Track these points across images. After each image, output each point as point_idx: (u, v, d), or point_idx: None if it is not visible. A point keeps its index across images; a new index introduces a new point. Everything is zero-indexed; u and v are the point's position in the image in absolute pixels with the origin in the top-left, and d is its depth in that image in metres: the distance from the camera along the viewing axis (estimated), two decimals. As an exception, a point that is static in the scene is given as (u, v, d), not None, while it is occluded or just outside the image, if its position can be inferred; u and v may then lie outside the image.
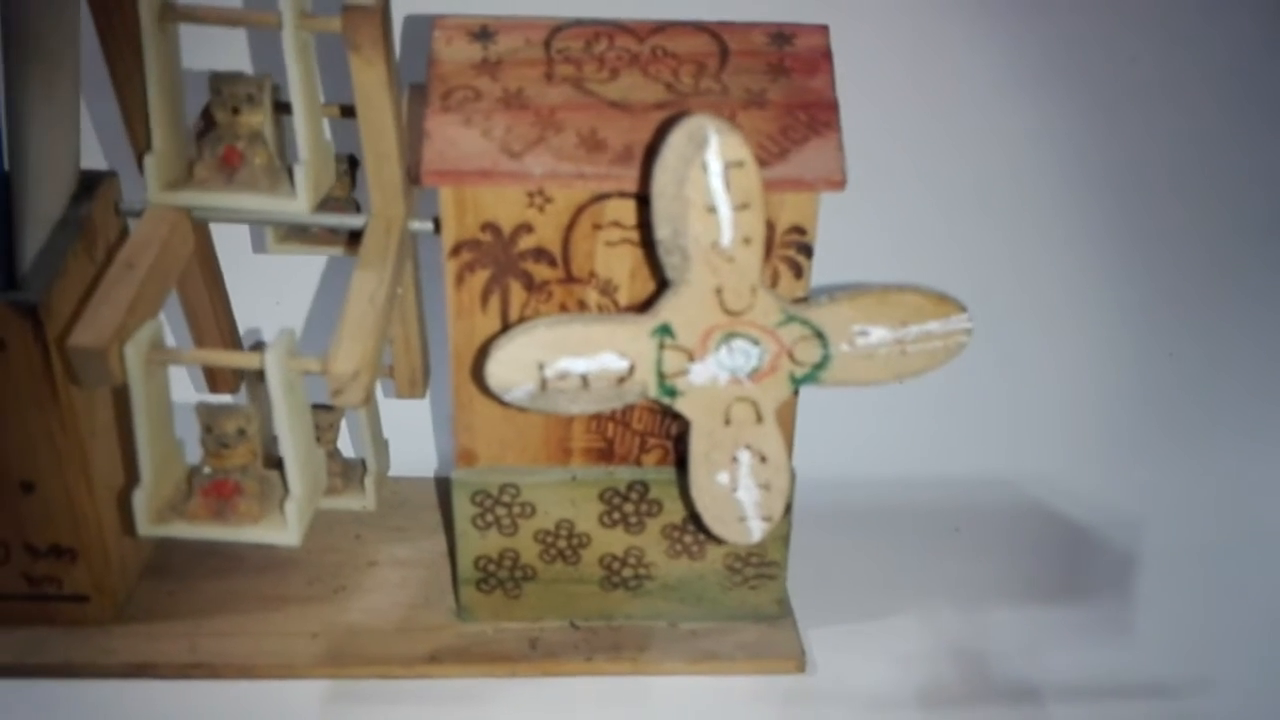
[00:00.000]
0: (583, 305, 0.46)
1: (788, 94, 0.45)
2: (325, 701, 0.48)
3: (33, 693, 0.49)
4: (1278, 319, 0.69)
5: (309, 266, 0.66)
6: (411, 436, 0.63)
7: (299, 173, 0.43)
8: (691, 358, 0.41)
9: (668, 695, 0.50)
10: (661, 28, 0.46)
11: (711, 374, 0.41)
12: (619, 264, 0.45)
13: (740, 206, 0.38)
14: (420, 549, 0.57)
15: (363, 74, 0.43)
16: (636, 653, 0.51)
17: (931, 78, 0.63)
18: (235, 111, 0.43)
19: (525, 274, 0.45)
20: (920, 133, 0.64)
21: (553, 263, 0.45)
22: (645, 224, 0.44)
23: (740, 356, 0.40)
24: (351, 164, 0.52)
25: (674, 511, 0.50)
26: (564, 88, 0.44)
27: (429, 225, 0.46)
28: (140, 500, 0.42)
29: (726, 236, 0.38)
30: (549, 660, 0.50)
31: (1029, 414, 0.68)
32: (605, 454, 0.49)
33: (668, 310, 0.41)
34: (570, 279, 0.46)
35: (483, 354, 0.46)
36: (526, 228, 0.44)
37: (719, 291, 0.40)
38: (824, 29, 0.46)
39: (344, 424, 0.58)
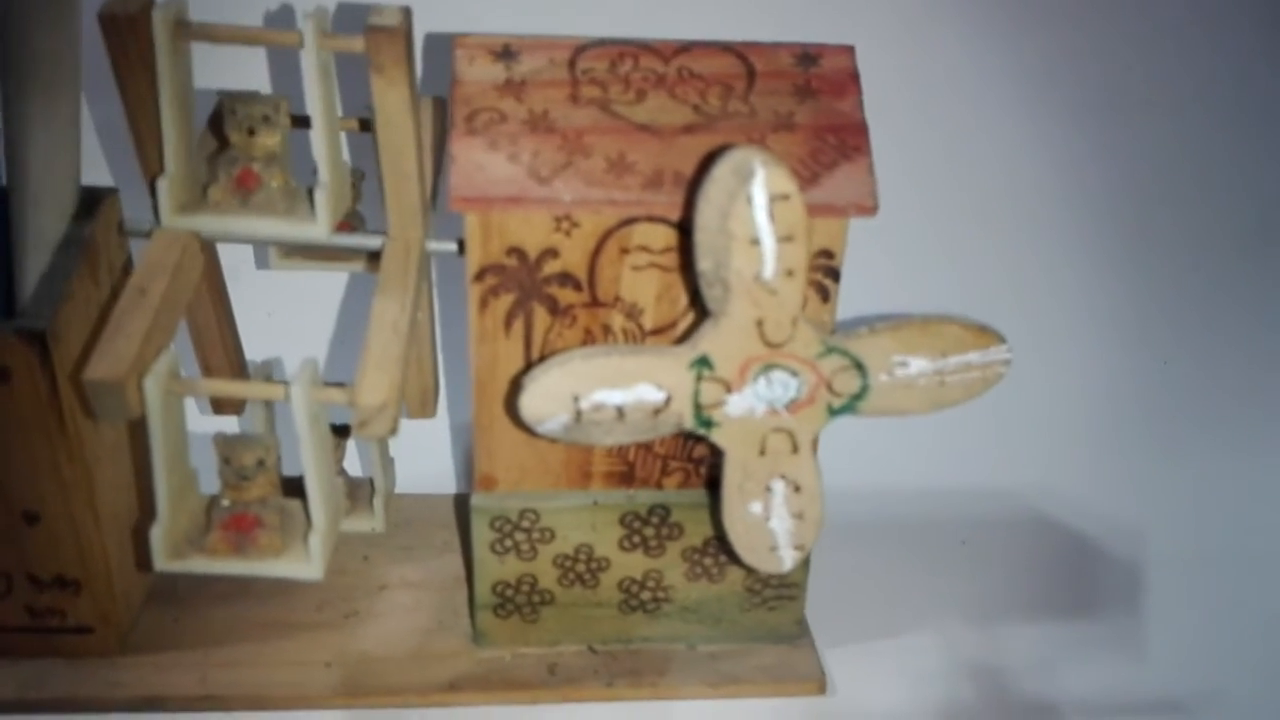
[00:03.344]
0: (607, 329, 0.45)
1: (816, 117, 0.44)
2: (343, 732, 0.48)
3: (38, 729, 0.47)
4: (1274, 327, 0.70)
5: (299, 277, 0.65)
6: (415, 453, 0.62)
7: (319, 196, 0.42)
8: (729, 389, 0.41)
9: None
10: (687, 48, 0.45)
11: (749, 405, 0.41)
12: (645, 288, 0.45)
13: (784, 239, 0.37)
14: (430, 570, 0.56)
15: (385, 95, 0.42)
16: (656, 677, 0.50)
17: (924, 91, 0.63)
18: (251, 133, 0.42)
19: (550, 298, 0.45)
20: (915, 148, 0.63)
21: (578, 287, 0.44)
22: (673, 248, 0.44)
23: (779, 388, 0.40)
24: (357, 177, 0.51)
25: (695, 534, 0.50)
26: (590, 110, 0.44)
27: (452, 246, 0.45)
28: (157, 535, 0.41)
29: (769, 269, 0.38)
30: (569, 686, 0.50)
31: (1030, 425, 0.68)
32: (626, 478, 0.49)
33: (707, 342, 0.40)
34: (595, 303, 0.45)
35: (505, 378, 0.46)
36: (552, 252, 0.44)
37: (760, 323, 0.39)
38: (849, 50, 0.46)
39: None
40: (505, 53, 0.44)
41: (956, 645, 0.53)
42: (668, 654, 0.52)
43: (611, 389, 0.40)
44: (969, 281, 0.67)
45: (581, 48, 0.45)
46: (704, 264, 0.38)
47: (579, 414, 0.41)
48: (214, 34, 0.40)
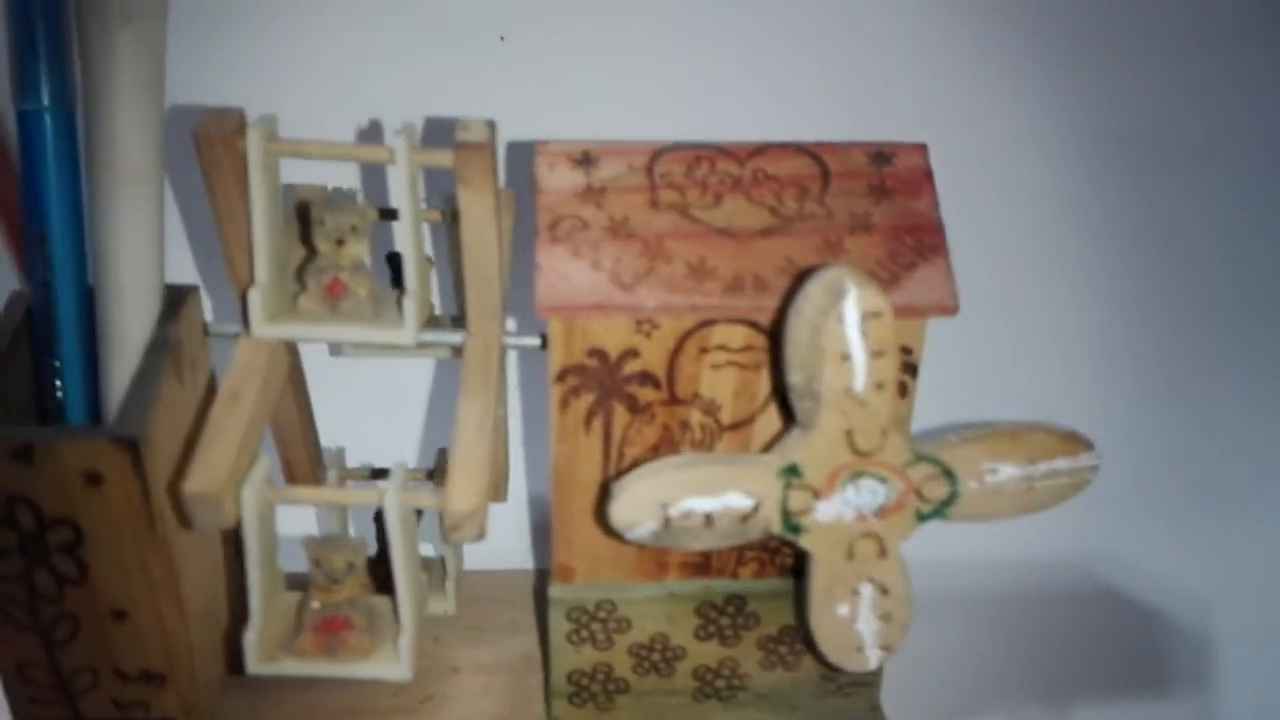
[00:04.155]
0: (685, 426, 0.46)
1: (892, 217, 0.45)
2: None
3: (125, 822, 0.48)
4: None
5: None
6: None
7: (408, 304, 0.43)
8: (818, 496, 0.41)
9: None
10: (761, 150, 0.46)
11: (837, 511, 0.41)
12: (723, 385, 0.45)
13: (875, 354, 0.38)
14: (500, 652, 0.57)
15: (471, 206, 0.42)
16: (733, 766, 0.51)
17: (994, 185, 0.62)
18: (340, 243, 0.43)
19: (630, 397, 0.45)
20: (986, 243, 0.63)
21: (657, 385, 0.45)
22: (751, 347, 0.44)
23: (867, 495, 0.40)
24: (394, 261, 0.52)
25: (771, 623, 0.50)
26: (670, 215, 0.44)
27: (535, 341, 0.46)
28: (251, 640, 0.42)
29: (860, 383, 0.38)
30: (646, 775, 0.50)
31: (1091, 493, 0.68)
32: (702, 568, 0.49)
33: (796, 451, 0.41)
34: (674, 401, 0.45)
35: (584, 474, 0.46)
36: (633, 353, 0.44)
37: (849, 433, 0.40)
38: (922, 148, 0.46)
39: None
40: (585, 159, 0.45)
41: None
42: (742, 741, 0.52)
43: (701, 497, 0.40)
44: (999, 352, 0.66)
45: (658, 152, 0.46)
46: (795, 378, 0.39)
47: (668, 521, 0.41)
48: (305, 150, 0.41)
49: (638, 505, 0.41)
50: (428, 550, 0.62)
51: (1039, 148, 0.61)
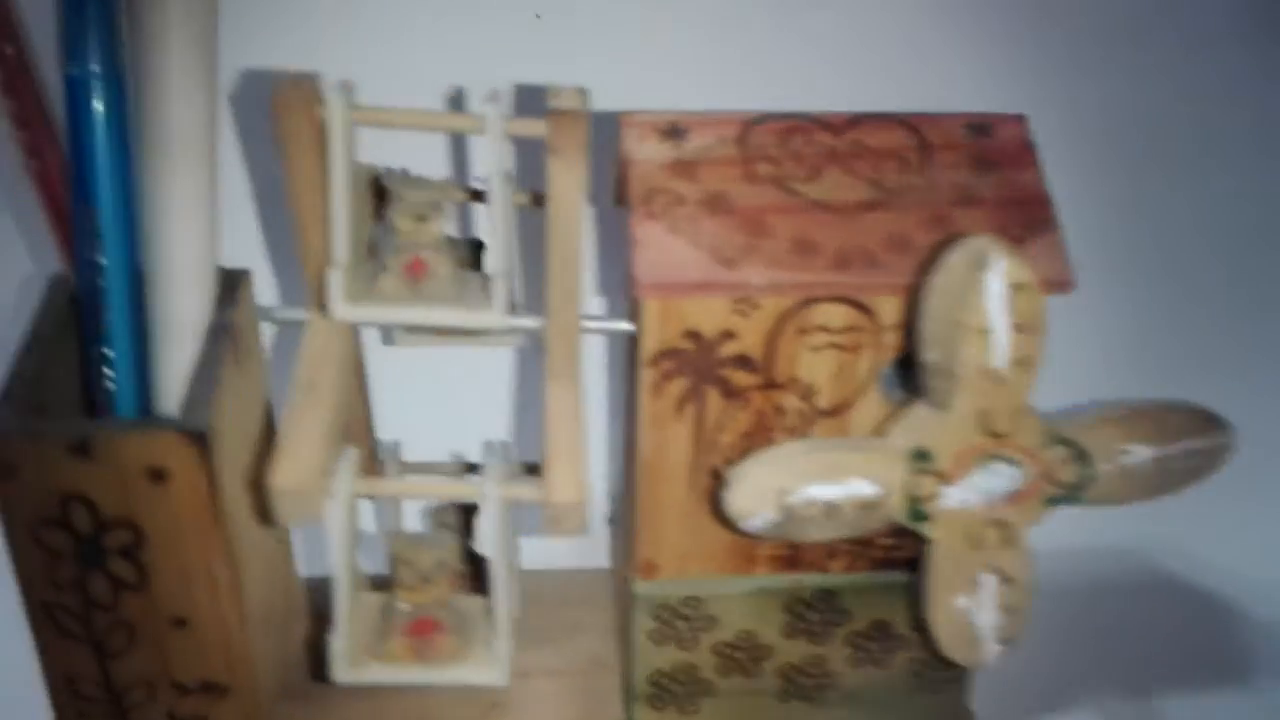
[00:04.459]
0: (779, 411, 0.44)
1: (998, 189, 0.43)
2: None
3: (185, 843, 0.45)
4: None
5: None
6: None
7: (495, 283, 0.40)
8: (945, 481, 0.39)
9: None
10: (856, 120, 0.44)
11: (964, 498, 0.39)
12: (821, 368, 0.43)
13: (1019, 329, 0.36)
14: (566, 655, 0.54)
15: (561, 177, 0.40)
16: (824, 768, 0.49)
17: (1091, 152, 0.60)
18: (421, 219, 0.40)
19: (724, 381, 0.43)
20: (1090, 216, 0.60)
21: (753, 369, 0.43)
22: (852, 328, 0.42)
23: (998, 479, 0.38)
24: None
25: (862, 619, 0.48)
26: (767, 188, 0.42)
27: (626, 325, 0.43)
28: (338, 646, 0.39)
29: (1001, 360, 0.36)
30: (735, 780, 0.48)
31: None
32: (791, 561, 0.47)
33: (925, 434, 0.39)
34: (770, 385, 0.43)
35: (673, 463, 0.44)
36: (729, 334, 0.42)
37: (983, 415, 0.38)
38: (1021, 119, 0.44)
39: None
40: (673, 130, 0.43)
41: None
42: (830, 742, 0.50)
43: (823, 484, 0.38)
44: (1142, 349, 0.64)
45: (749, 123, 0.43)
46: (930, 355, 0.37)
47: (788, 510, 0.39)
48: (389, 119, 0.38)
49: (756, 493, 0.38)
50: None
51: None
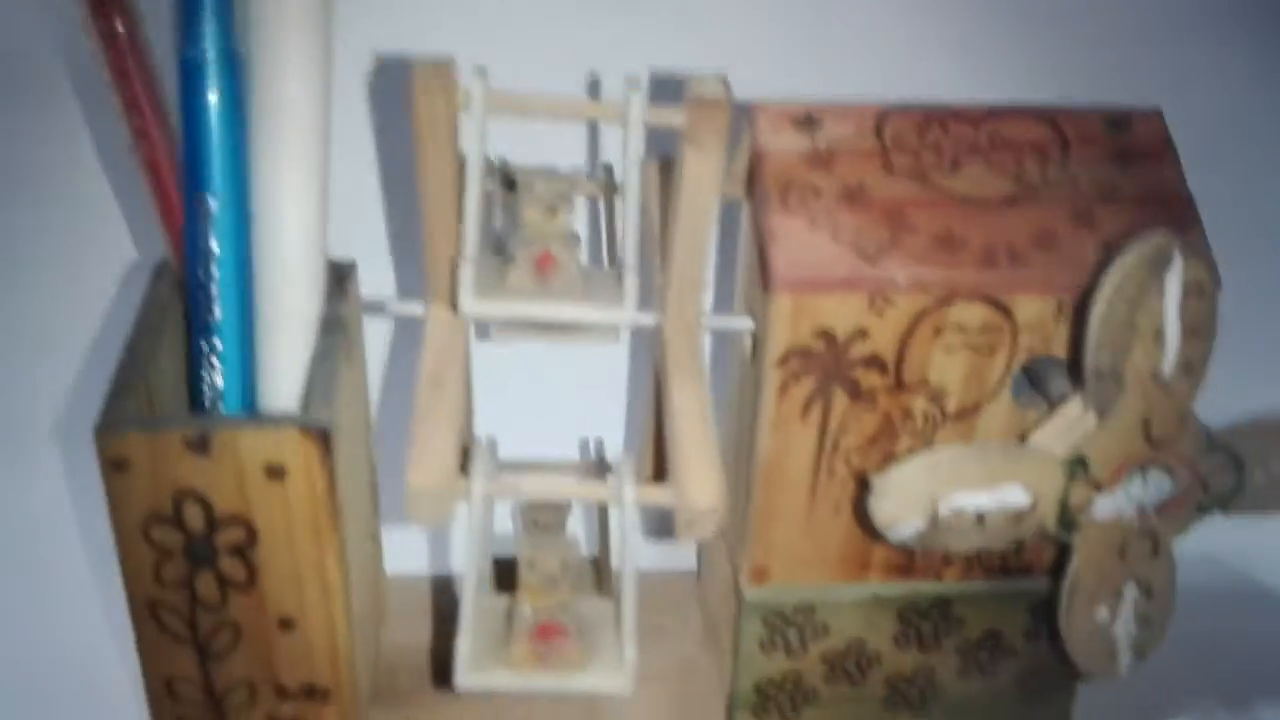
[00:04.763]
0: (907, 414, 0.42)
1: (1140, 187, 0.42)
2: None
3: None
4: None
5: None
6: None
7: (629, 279, 0.39)
8: (1100, 489, 0.38)
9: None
10: (993, 112, 0.43)
11: (1117, 507, 0.38)
12: (953, 370, 0.42)
13: (1190, 332, 0.35)
14: (654, 658, 0.52)
15: (697, 167, 0.39)
16: (935, 780, 0.47)
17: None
18: (553, 211, 0.39)
19: (853, 382, 0.42)
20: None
21: (883, 370, 0.42)
22: (990, 328, 0.41)
23: (1153, 488, 0.37)
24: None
25: (974, 628, 0.47)
26: (906, 181, 0.41)
27: (746, 323, 0.42)
28: (464, 649, 0.37)
29: (1169, 365, 0.35)
30: (844, 791, 0.47)
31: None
32: (905, 569, 0.46)
33: (1084, 440, 0.37)
34: (899, 386, 0.42)
35: (794, 467, 0.43)
36: (862, 334, 0.41)
37: (1146, 422, 0.36)
38: (1157, 114, 0.43)
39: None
40: (807, 120, 0.42)
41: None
42: (938, 753, 0.49)
43: (975, 492, 0.37)
44: None
45: (884, 113, 0.42)
46: (1100, 359, 0.36)
47: (936, 519, 0.38)
48: (527, 105, 0.37)
49: (906, 500, 0.37)
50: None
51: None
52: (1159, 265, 0.35)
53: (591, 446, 0.53)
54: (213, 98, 0.40)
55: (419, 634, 0.53)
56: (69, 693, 0.50)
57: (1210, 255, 0.37)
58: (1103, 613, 0.40)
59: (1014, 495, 0.37)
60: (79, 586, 0.54)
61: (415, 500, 0.35)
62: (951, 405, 0.42)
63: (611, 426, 0.61)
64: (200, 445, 0.38)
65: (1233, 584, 0.61)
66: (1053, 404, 0.39)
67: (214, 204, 0.41)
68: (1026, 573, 0.46)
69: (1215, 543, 0.62)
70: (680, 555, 0.58)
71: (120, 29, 0.41)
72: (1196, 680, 0.53)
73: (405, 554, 0.56)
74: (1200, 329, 0.35)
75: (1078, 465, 0.37)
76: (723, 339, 0.53)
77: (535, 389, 0.57)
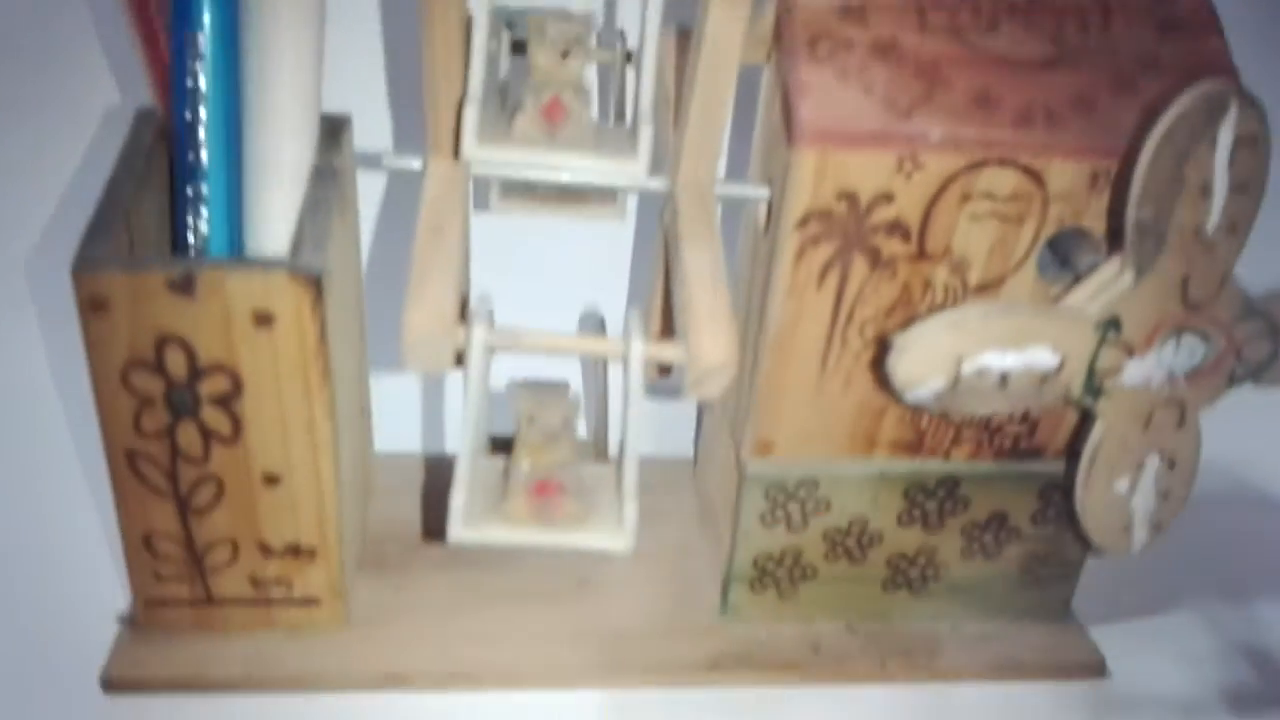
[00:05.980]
0: (927, 285, 0.41)
1: (1183, 57, 0.39)
2: (607, 713, 0.44)
3: (269, 709, 0.43)
4: None
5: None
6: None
7: (644, 133, 0.36)
8: (1131, 354, 0.36)
9: (968, 706, 0.46)
10: (1033, -29, 0.40)
11: (1147, 373, 0.36)
12: (979, 240, 0.40)
13: (1238, 189, 0.33)
14: (652, 540, 0.51)
15: (721, 18, 0.36)
16: (929, 659, 0.47)
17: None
18: (565, 55, 0.36)
19: (874, 249, 0.40)
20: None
21: (906, 236, 0.40)
22: (1021, 195, 0.39)
23: (1186, 354, 0.36)
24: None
25: (980, 509, 0.46)
26: (942, 38, 0.38)
27: (763, 192, 0.40)
28: (459, 503, 0.36)
29: (1214, 222, 0.33)
30: (837, 666, 0.46)
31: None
32: (914, 446, 0.44)
33: (1119, 300, 0.36)
34: (921, 255, 0.40)
35: (806, 336, 0.41)
36: (887, 197, 0.39)
37: (1184, 282, 0.35)
38: (1204, -19, 0.41)
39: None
40: (840, -31, 0.39)
41: (1226, 627, 0.50)
42: (933, 634, 0.48)
43: (1003, 351, 0.35)
44: None
45: (920, -35, 0.40)
46: (1143, 213, 0.34)
47: (958, 379, 0.36)
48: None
49: (929, 358, 0.36)
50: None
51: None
52: (1213, 114, 0.33)
53: (593, 324, 0.51)
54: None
55: (408, 509, 0.51)
56: (42, 549, 0.48)
57: (1263, 109, 0.35)
58: (1122, 484, 0.39)
59: (1041, 356, 0.36)
60: (54, 436, 0.52)
61: (413, 345, 0.33)
62: (974, 277, 0.41)
63: (614, 310, 0.59)
64: (184, 286, 0.36)
65: (1239, 490, 0.60)
66: (1081, 277, 0.37)
67: (203, 42, 0.38)
68: (1037, 455, 0.45)
69: (1226, 449, 0.62)
70: (676, 440, 0.57)
71: None
72: (1199, 578, 0.53)
73: (396, 435, 0.55)
74: (1249, 184, 0.34)
75: (1110, 327, 0.36)
76: (732, 214, 0.51)
77: (535, 267, 0.54)
